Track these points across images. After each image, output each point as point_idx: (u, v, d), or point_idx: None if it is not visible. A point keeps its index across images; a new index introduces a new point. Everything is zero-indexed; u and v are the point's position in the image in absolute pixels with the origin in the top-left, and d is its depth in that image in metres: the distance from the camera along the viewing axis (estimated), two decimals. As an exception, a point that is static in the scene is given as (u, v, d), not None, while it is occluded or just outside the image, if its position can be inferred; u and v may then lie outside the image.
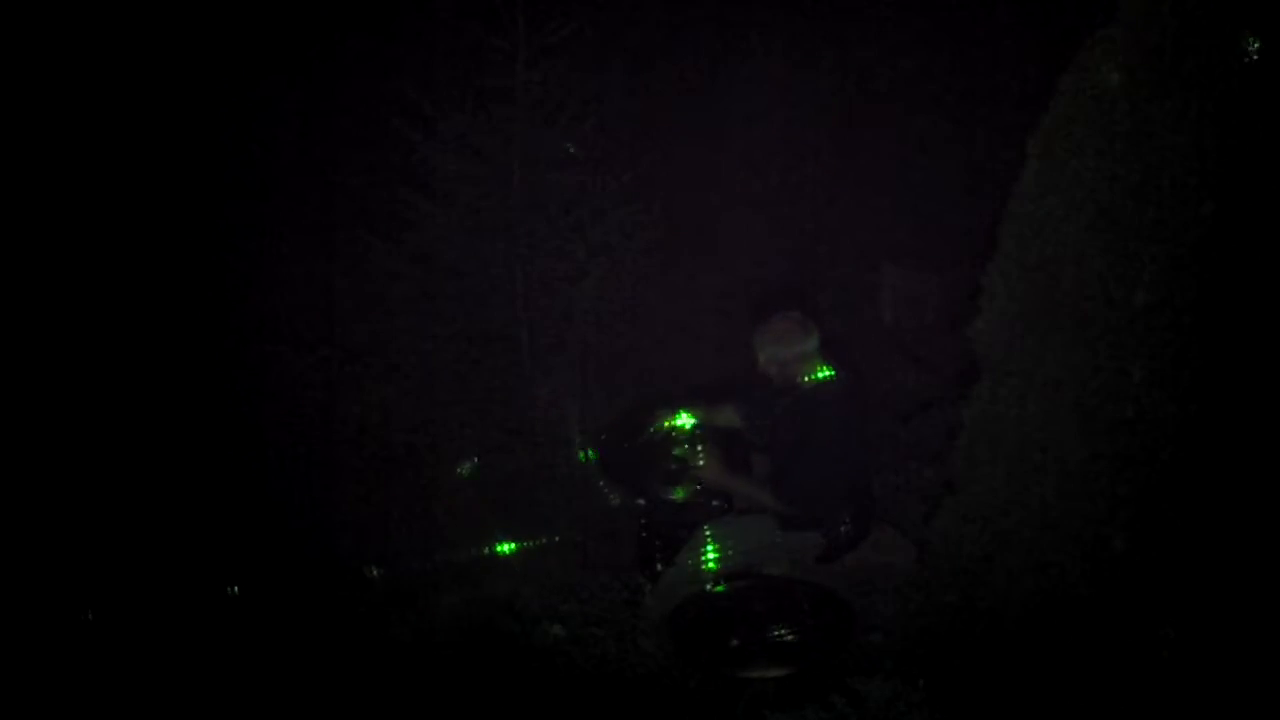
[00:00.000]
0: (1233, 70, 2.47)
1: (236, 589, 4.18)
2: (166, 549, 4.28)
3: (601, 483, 4.25)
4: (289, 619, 3.96)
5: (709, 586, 3.46)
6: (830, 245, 7.02)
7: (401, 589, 4.18)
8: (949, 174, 6.88)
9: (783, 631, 3.42)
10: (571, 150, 4.99)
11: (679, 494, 3.67)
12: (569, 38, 4.87)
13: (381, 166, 5.67)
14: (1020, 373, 2.75)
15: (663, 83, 7.03)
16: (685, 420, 3.80)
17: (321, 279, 5.93)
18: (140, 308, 5.62)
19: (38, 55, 5.80)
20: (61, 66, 5.87)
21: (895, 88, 7.13)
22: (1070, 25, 3.07)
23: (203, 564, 4.26)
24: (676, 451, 3.71)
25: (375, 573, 4.31)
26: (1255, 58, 2.47)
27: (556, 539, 4.38)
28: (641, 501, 3.84)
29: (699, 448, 3.67)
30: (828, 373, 3.45)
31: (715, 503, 3.63)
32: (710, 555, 3.48)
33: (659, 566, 3.63)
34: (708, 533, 3.51)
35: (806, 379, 3.45)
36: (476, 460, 4.78)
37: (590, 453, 4.49)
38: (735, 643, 3.43)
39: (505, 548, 4.30)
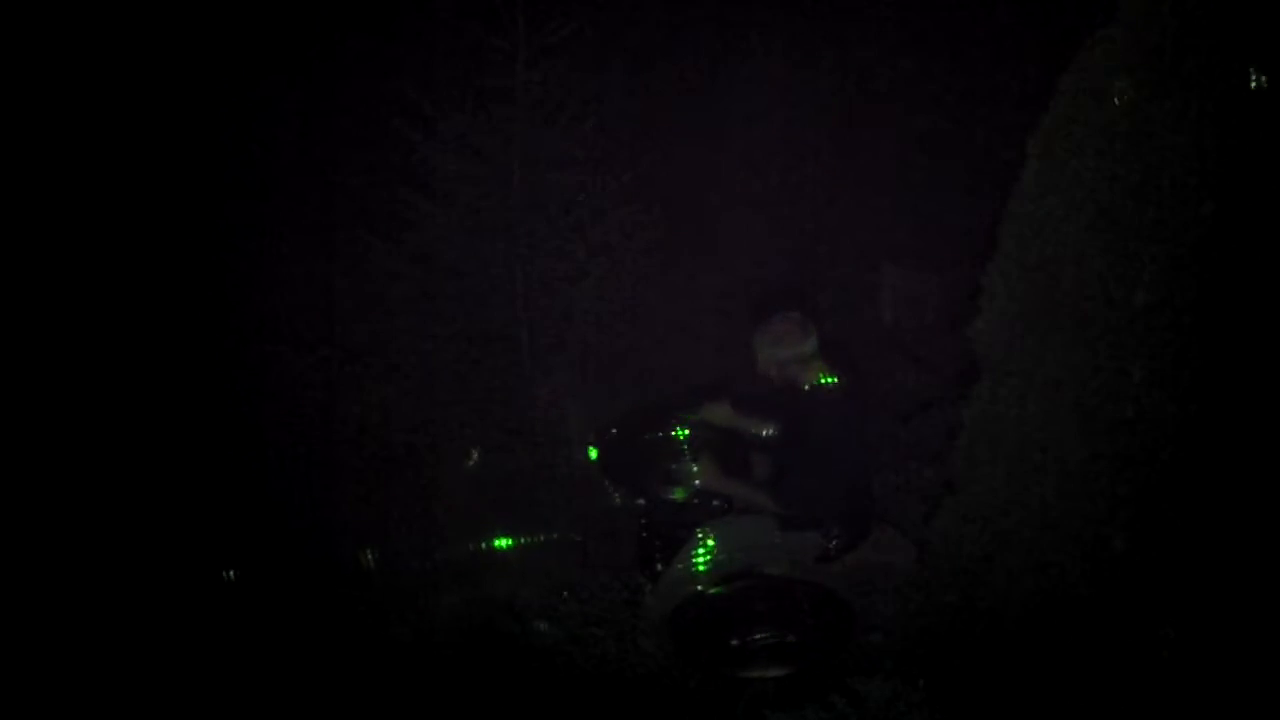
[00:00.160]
0: (1233, 70, 2.47)
1: (235, 589, 4.18)
2: (166, 549, 4.28)
3: (606, 482, 4.25)
4: (289, 619, 3.96)
5: (709, 587, 3.46)
6: (830, 245, 7.00)
7: (401, 588, 4.18)
8: (949, 174, 6.85)
9: (783, 631, 3.42)
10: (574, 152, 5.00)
11: (679, 494, 3.68)
12: (569, 38, 4.87)
13: (381, 166, 5.67)
14: (1020, 373, 2.75)
15: (663, 83, 7.01)
16: (680, 433, 3.82)
17: (321, 279, 5.92)
18: (141, 307, 5.61)
19: (38, 55, 5.80)
20: (62, 66, 5.87)
21: (895, 88, 7.11)
22: (1070, 25, 3.06)
23: (203, 564, 4.26)
24: (674, 466, 3.73)
25: (373, 565, 4.31)
26: (1255, 57, 2.47)
27: (556, 538, 4.39)
28: (641, 501, 3.84)
29: (694, 458, 3.69)
30: (829, 379, 3.43)
31: (715, 503, 3.63)
32: (710, 555, 3.47)
33: (659, 566, 3.63)
34: (708, 533, 3.51)
35: (807, 386, 3.43)
36: (479, 452, 4.79)
37: (592, 451, 4.49)
38: (735, 643, 3.44)
39: (503, 542, 4.29)
